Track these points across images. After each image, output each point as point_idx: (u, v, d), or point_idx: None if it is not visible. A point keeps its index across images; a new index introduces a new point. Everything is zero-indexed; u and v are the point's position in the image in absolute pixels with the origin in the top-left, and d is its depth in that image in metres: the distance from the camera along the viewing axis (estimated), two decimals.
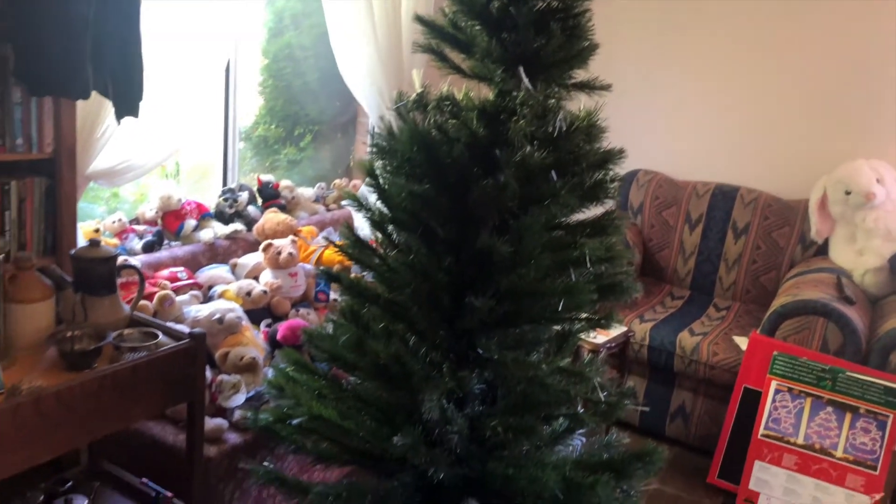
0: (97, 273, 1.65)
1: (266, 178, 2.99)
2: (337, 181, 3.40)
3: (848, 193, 2.94)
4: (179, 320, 2.19)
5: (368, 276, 1.75)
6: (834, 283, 2.72)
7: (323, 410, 1.65)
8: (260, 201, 2.94)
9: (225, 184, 2.92)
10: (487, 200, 1.52)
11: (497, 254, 1.50)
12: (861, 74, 3.09)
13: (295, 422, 1.64)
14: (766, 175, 3.31)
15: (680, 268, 3.36)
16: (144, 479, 1.88)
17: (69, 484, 1.79)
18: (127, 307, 1.75)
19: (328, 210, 3.24)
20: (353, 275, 2.14)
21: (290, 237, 2.60)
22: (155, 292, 2.18)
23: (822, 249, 3.10)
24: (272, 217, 2.74)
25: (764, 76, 3.28)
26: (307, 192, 3.19)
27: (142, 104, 1.90)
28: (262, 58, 3.26)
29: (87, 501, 1.75)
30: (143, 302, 2.12)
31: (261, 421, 1.74)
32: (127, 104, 1.82)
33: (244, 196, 2.80)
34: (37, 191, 1.75)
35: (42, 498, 1.71)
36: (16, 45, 1.54)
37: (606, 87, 1.69)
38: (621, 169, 1.70)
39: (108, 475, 1.93)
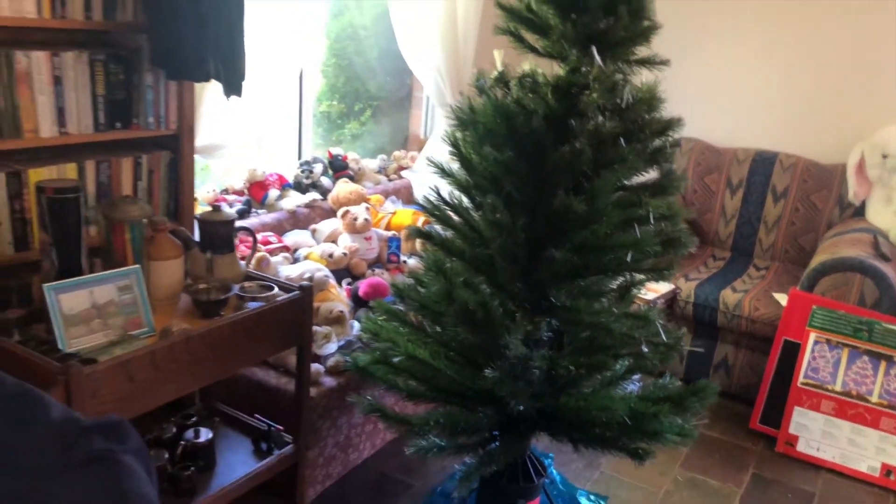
0: (219, 234, 1.91)
1: (336, 150, 3.22)
2: (396, 153, 3.63)
3: (885, 157, 3.09)
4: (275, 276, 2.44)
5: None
6: (871, 241, 2.90)
7: (418, 351, 1.89)
8: (331, 172, 3.18)
9: (300, 157, 3.17)
10: (564, 165, 1.74)
11: (573, 211, 1.72)
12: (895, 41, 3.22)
13: (395, 360, 1.89)
14: (805, 141, 3.47)
15: (721, 230, 3.54)
16: (257, 415, 2.15)
17: (194, 419, 2.06)
18: (243, 263, 2.00)
19: (390, 180, 3.47)
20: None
21: (364, 204, 2.84)
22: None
23: (859, 211, 3.26)
24: (344, 187, 2.98)
25: (802, 42, 3.42)
26: (371, 163, 3.42)
27: (244, 84, 2.13)
28: (324, 38, 3.47)
29: (211, 433, 2.01)
30: (241, 262, 2.38)
31: (361, 361, 1.99)
32: (234, 85, 2.05)
33: (318, 168, 3.04)
34: (162, 163, 2.00)
35: (175, 430, 1.98)
36: (153, 36, 1.78)
37: (665, 63, 1.89)
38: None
39: (221, 413, 2.20)
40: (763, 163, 3.45)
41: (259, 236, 2.58)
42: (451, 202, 1.92)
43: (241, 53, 2.05)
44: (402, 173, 3.53)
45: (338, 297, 2.47)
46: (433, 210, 1.94)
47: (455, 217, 1.93)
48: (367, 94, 3.70)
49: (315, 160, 3.10)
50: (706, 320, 3.04)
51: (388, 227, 2.97)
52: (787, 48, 3.46)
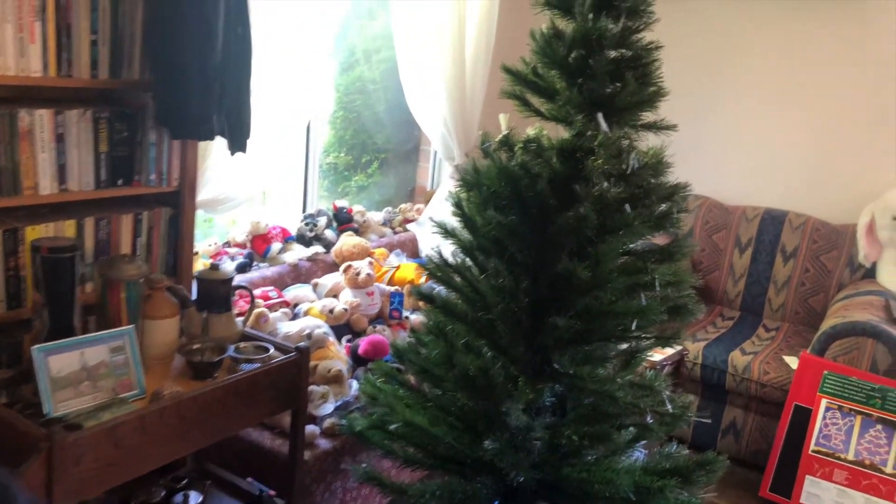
0: (217, 293, 1.87)
1: (341, 203, 3.21)
2: (403, 205, 3.61)
3: (895, 219, 3.05)
4: (273, 335, 2.40)
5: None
6: (883, 305, 2.84)
7: (415, 417, 1.84)
8: (336, 225, 3.16)
9: (305, 209, 3.16)
10: (569, 229, 1.70)
11: (576, 277, 1.68)
12: None
13: (392, 427, 1.83)
14: (815, 200, 3.44)
15: (730, 289, 3.49)
16: (250, 479, 2.09)
17: (184, 481, 2.00)
18: (240, 321, 1.97)
19: (395, 233, 3.45)
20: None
21: (368, 258, 2.81)
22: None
23: (870, 273, 3.21)
24: (348, 240, 2.95)
25: (812, 101, 3.42)
26: (376, 215, 3.40)
27: (250, 141, 2.13)
28: (333, 91, 3.49)
29: (201, 497, 1.95)
30: (239, 319, 2.34)
31: (356, 426, 1.94)
32: (239, 142, 2.05)
33: (322, 221, 3.02)
34: (163, 219, 1.98)
35: (164, 493, 1.93)
36: (158, 94, 1.78)
37: (672, 128, 1.87)
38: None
39: (213, 475, 2.14)
40: (772, 221, 3.42)
41: (259, 291, 2.54)
42: (453, 263, 1.89)
43: (248, 111, 2.05)
44: (408, 226, 3.51)
45: (337, 355, 2.42)
46: (435, 270, 1.91)
47: (457, 278, 1.89)
48: (375, 146, 3.70)
49: (320, 213, 3.09)
50: (714, 383, 2.97)
51: (391, 282, 2.94)
52: (797, 107, 3.46)
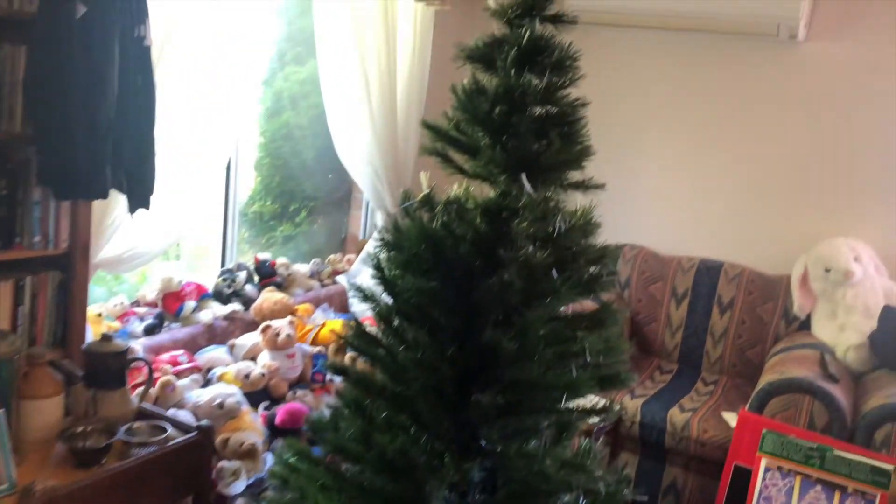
0: (109, 367, 1.69)
1: (263, 256, 3.04)
2: (332, 256, 3.46)
3: (828, 271, 3.04)
4: (181, 405, 2.21)
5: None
6: (818, 360, 2.80)
7: (330, 503, 1.67)
8: (257, 279, 2.99)
9: (223, 264, 2.97)
10: (492, 297, 1.59)
11: (502, 349, 1.56)
12: (840, 156, 3.24)
13: None
14: (749, 250, 3.42)
15: (668, 341, 3.43)
16: None
17: None
18: (135, 399, 1.78)
19: (323, 286, 3.29)
20: (357, 364, 2.20)
21: (288, 318, 2.65)
22: (157, 378, 2.20)
23: (805, 324, 3.19)
24: (269, 297, 2.78)
25: (744, 154, 3.43)
26: (302, 268, 3.24)
27: (153, 196, 1.97)
28: (259, 136, 3.35)
29: None
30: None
31: None
32: (140, 198, 1.88)
33: (242, 276, 2.85)
34: (50, 285, 1.79)
35: None
36: (41, 149, 1.61)
37: (601, 187, 1.78)
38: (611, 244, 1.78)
39: None
40: (708, 272, 3.39)
41: (167, 355, 2.35)
42: (370, 333, 1.75)
43: (150, 164, 1.90)
44: (337, 278, 3.36)
45: (251, 426, 2.24)
46: (352, 339, 1.77)
47: (376, 348, 1.75)
48: (303, 194, 3.56)
49: (240, 267, 2.91)
50: (653, 441, 2.88)
51: (315, 341, 2.77)
52: (729, 156, 3.46)
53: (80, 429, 1.61)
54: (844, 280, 3.00)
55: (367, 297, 1.78)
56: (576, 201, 1.79)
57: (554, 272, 1.61)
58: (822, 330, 3.08)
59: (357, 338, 1.77)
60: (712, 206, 3.52)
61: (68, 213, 1.77)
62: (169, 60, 2.14)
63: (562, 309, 1.74)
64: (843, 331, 3.01)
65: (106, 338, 1.72)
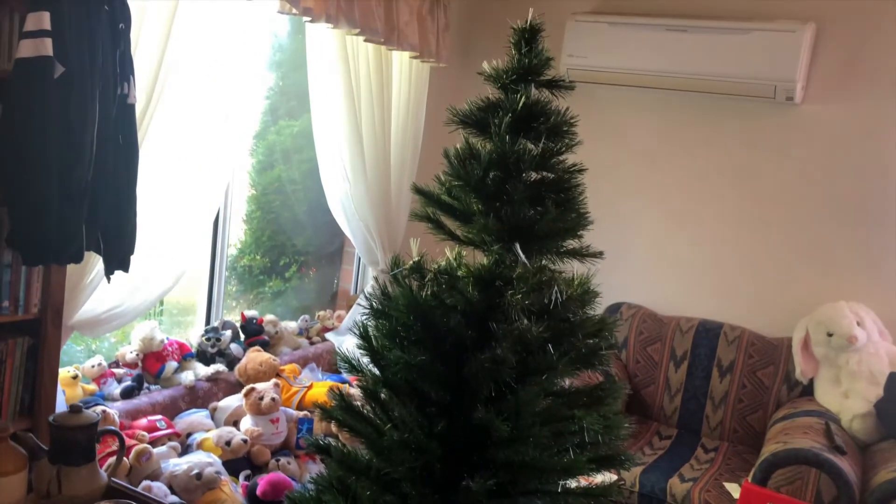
0: (76, 442, 1.59)
1: (250, 313, 2.95)
2: (321, 312, 3.37)
3: (830, 335, 2.96)
4: (156, 475, 2.09)
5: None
6: (823, 429, 2.70)
7: None
8: (243, 337, 2.89)
9: (209, 321, 2.88)
10: (485, 374, 1.50)
11: (494, 429, 1.47)
12: (840, 218, 3.19)
13: None
14: (749, 312, 3.35)
15: (666, 405, 3.33)
16: None
17: None
18: (104, 474, 1.67)
19: (311, 343, 3.19)
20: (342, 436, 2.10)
21: (273, 380, 2.55)
22: (133, 445, 2.09)
23: (808, 389, 3.10)
24: (255, 357, 2.69)
25: (743, 214, 3.38)
26: (290, 325, 3.15)
27: (133, 256, 1.89)
28: (250, 189, 3.29)
29: None
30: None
31: None
32: (118, 260, 1.81)
33: (227, 335, 2.75)
34: (18, 351, 1.70)
35: None
36: (12, 213, 1.53)
37: (598, 255, 1.71)
38: (605, 303, 1.70)
39: None
40: (707, 334, 3.30)
41: (144, 421, 2.24)
42: (354, 407, 1.66)
43: (130, 225, 1.82)
44: (327, 335, 3.26)
45: (230, 497, 2.12)
46: (335, 413, 1.67)
47: (362, 424, 1.66)
48: (294, 248, 3.49)
49: (225, 325, 2.82)
50: None
51: (301, 404, 2.66)
52: (730, 217, 3.41)
53: None
54: (848, 345, 2.92)
55: (353, 367, 1.70)
56: (572, 268, 1.72)
57: (550, 347, 1.53)
58: (826, 396, 2.99)
59: (341, 411, 1.68)
60: (711, 266, 3.45)
61: (40, 277, 1.69)
62: (158, 114, 2.09)
63: (558, 384, 1.66)
64: (847, 398, 2.91)
65: (75, 409, 1.62)
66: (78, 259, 1.63)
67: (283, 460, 2.37)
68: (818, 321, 3.02)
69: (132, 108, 1.75)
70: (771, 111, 3.28)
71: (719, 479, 2.81)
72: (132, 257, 1.87)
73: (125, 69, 1.71)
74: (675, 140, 3.50)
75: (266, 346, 2.89)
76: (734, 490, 2.72)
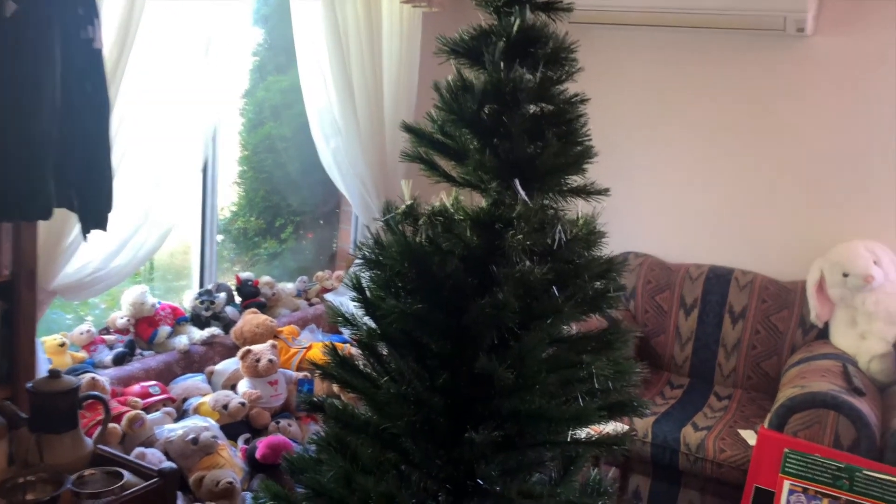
0: (56, 408, 1.50)
1: (245, 275, 2.86)
2: (319, 273, 3.28)
3: (846, 276, 2.86)
4: (151, 442, 2.02)
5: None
6: (841, 371, 2.62)
7: None
8: (239, 300, 2.80)
9: (202, 284, 2.79)
10: (486, 320, 1.40)
11: (498, 378, 1.38)
12: (854, 154, 3.07)
13: None
14: (761, 256, 3.24)
15: (677, 354, 3.24)
16: None
17: None
18: (90, 441, 1.59)
19: (310, 304, 3.10)
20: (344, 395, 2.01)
21: (270, 342, 2.46)
22: (125, 412, 2.02)
23: (823, 333, 3.01)
24: (251, 319, 2.60)
25: (753, 154, 3.25)
26: (288, 286, 3.05)
27: (111, 214, 1.79)
28: (241, 149, 3.18)
29: None
30: (111, 424, 1.96)
31: None
32: (94, 217, 1.71)
33: (222, 297, 2.66)
34: None
35: None
36: None
37: (604, 192, 1.60)
38: (611, 252, 1.60)
39: None
40: (718, 280, 3.20)
41: (137, 387, 2.16)
42: (350, 362, 1.57)
43: (104, 179, 1.72)
44: (326, 296, 3.17)
45: (229, 462, 2.05)
46: (331, 370, 1.59)
47: (362, 379, 1.57)
48: (289, 208, 3.38)
49: (219, 287, 2.72)
50: (666, 463, 2.68)
51: (300, 365, 2.58)
52: (739, 159, 3.28)
53: (21, 479, 1.42)
54: (864, 285, 2.82)
55: (346, 321, 1.61)
56: (577, 209, 1.61)
57: (554, 289, 1.43)
58: (842, 339, 2.89)
59: (337, 367, 1.59)
60: (720, 210, 3.33)
61: (10, 237, 1.59)
62: (132, 61, 1.97)
63: (565, 329, 1.56)
64: (864, 339, 2.82)
65: (54, 374, 1.53)
66: (46, 216, 1.52)
67: (283, 422, 2.30)
68: (833, 262, 2.91)
69: (99, 53, 1.63)
70: (781, 45, 3.14)
71: (734, 426, 2.74)
72: (110, 215, 1.77)
73: (89, 10, 1.58)
74: (680, 81, 3.36)
75: (263, 308, 2.80)
76: (750, 437, 2.64)
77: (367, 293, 1.58)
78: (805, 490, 2.39)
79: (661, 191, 3.44)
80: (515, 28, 1.48)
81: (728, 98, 3.27)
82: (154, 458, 1.92)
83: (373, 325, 1.59)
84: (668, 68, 3.37)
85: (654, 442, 2.69)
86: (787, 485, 2.41)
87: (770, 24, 3.01)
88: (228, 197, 3.14)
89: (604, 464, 2.64)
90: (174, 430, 2.04)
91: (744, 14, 3.00)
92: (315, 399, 1.54)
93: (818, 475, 2.38)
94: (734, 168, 3.29)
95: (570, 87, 1.58)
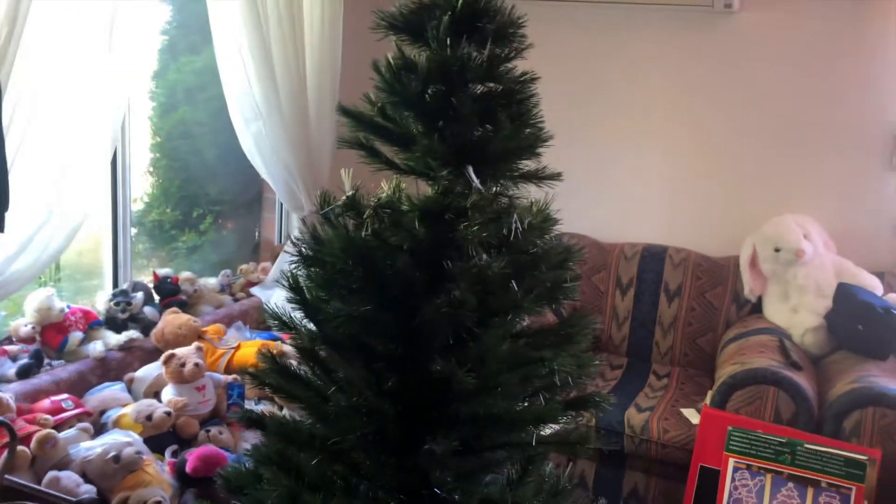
0: None
1: (163, 272, 2.65)
2: (243, 266, 3.09)
3: (777, 251, 2.89)
4: (66, 463, 1.83)
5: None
6: (778, 346, 2.65)
7: None
8: (158, 299, 2.60)
9: (116, 284, 2.57)
10: (442, 320, 1.30)
11: (457, 383, 1.27)
12: (782, 130, 3.10)
13: None
14: (693, 233, 3.25)
15: (615, 334, 3.23)
16: None
17: None
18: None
19: (235, 300, 2.92)
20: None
21: (195, 343, 2.28)
22: (34, 432, 1.82)
23: (757, 307, 3.04)
24: (172, 319, 2.41)
25: (682, 131, 3.25)
26: (210, 281, 2.86)
27: (8, 214, 1.59)
28: (152, 136, 2.94)
29: None
30: (19, 448, 1.75)
31: None
32: None
33: (139, 297, 2.45)
34: None
35: None
36: None
37: (557, 177, 1.52)
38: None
39: None
40: (652, 259, 3.19)
41: (47, 402, 1.96)
42: (290, 368, 1.44)
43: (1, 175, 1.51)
44: (252, 290, 2.99)
45: (156, 479, 1.88)
46: (267, 378, 1.45)
47: (301, 389, 1.44)
48: (208, 198, 3.17)
49: (136, 286, 2.51)
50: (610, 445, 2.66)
51: (229, 368, 2.41)
52: (668, 136, 3.28)
53: None
54: (796, 259, 2.86)
55: (285, 325, 1.47)
56: (528, 195, 1.52)
57: (513, 283, 1.34)
58: (776, 313, 2.93)
59: (275, 374, 1.45)
60: (652, 188, 3.33)
61: None
62: (23, 42, 1.75)
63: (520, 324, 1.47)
64: (796, 312, 2.87)
65: None
66: None
67: (213, 430, 2.14)
68: (765, 237, 2.94)
69: None
70: (709, 21, 3.13)
71: (676, 405, 2.74)
72: (6, 214, 1.56)
73: None
74: (608, 56, 3.32)
75: (184, 307, 2.60)
76: (692, 416, 2.65)
77: (306, 293, 1.45)
78: (749, 466, 2.41)
79: (591, 169, 3.41)
80: (461, 1, 1.36)
81: (658, 75, 3.25)
82: (70, 481, 1.74)
83: (313, 327, 1.47)
84: (595, 45, 3.33)
85: (598, 426, 2.66)
86: (731, 462, 2.42)
87: (698, 1, 3.00)
88: (141, 187, 2.91)
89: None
90: (92, 448, 1.86)
91: None
92: (252, 413, 1.40)
93: (761, 451, 2.40)
94: (665, 145, 3.29)
95: (519, 65, 1.48)
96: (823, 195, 3.07)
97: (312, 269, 1.44)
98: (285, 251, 2.98)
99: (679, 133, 3.25)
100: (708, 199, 3.24)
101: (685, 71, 3.21)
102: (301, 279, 1.44)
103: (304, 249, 1.44)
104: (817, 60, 3.01)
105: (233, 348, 2.46)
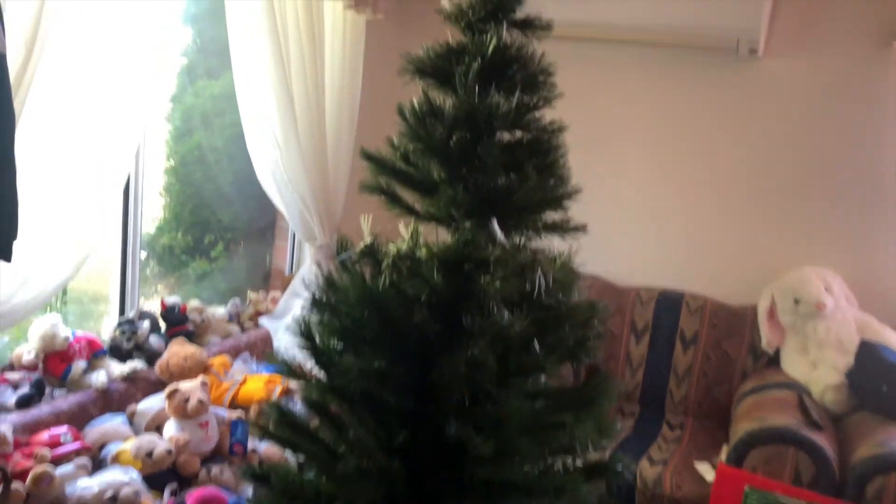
0: None
1: (171, 300, 2.60)
2: (253, 295, 3.04)
3: (797, 302, 2.82)
4: (61, 502, 1.77)
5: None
6: (797, 403, 2.56)
7: None
8: (164, 328, 2.54)
9: (123, 312, 2.52)
10: (458, 379, 1.24)
11: (473, 448, 1.21)
12: (804, 179, 3.03)
13: None
14: (711, 280, 3.18)
15: (628, 381, 3.15)
16: None
17: None
18: None
19: (243, 330, 2.86)
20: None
21: (201, 377, 2.22)
22: (30, 468, 1.76)
23: (773, 360, 2.96)
24: (178, 350, 2.35)
25: (704, 177, 3.19)
26: (219, 311, 2.81)
27: (16, 242, 1.54)
28: (167, 159, 2.91)
29: None
30: (14, 485, 1.70)
31: None
32: None
33: (145, 326, 2.40)
34: None
35: None
36: None
37: (582, 229, 1.47)
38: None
39: None
40: (668, 304, 3.12)
41: (46, 435, 1.90)
42: (298, 421, 1.38)
43: (6, 201, 1.47)
44: (261, 320, 2.94)
45: None
46: (276, 430, 1.39)
47: (308, 442, 1.38)
48: (220, 224, 3.13)
49: (142, 315, 2.46)
50: (622, 498, 2.57)
51: (234, 402, 2.35)
52: (689, 180, 3.22)
53: None
54: (816, 312, 2.78)
55: (295, 374, 1.41)
56: (551, 246, 1.47)
57: (535, 345, 1.28)
58: (794, 367, 2.85)
59: (282, 427, 1.40)
60: (671, 232, 3.26)
61: None
62: (42, 68, 1.72)
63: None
64: (816, 367, 2.78)
65: None
66: None
67: (214, 470, 2.07)
68: (785, 288, 2.87)
69: (2, 59, 1.39)
70: (733, 66, 3.08)
71: (689, 459, 2.65)
72: (14, 243, 1.52)
73: None
74: (631, 97, 3.27)
75: (191, 337, 2.55)
76: (707, 472, 2.56)
77: (318, 340, 1.40)
78: None
79: (610, 211, 3.35)
80: (491, 47, 1.33)
81: (679, 118, 3.21)
82: None
83: (323, 376, 1.41)
84: (618, 84, 3.29)
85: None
86: None
87: (722, 45, 2.97)
88: (152, 211, 2.88)
89: None
90: (89, 487, 1.79)
91: (696, 33, 2.95)
92: (257, 470, 1.34)
93: None
94: (684, 188, 3.23)
95: (547, 114, 1.44)
96: (845, 247, 2.99)
97: (326, 317, 1.39)
98: (296, 292, 2.92)
99: (699, 177, 3.19)
100: (726, 246, 3.17)
101: (706, 114, 3.16)
102: (313, 326, 1.39)
103: (317, 295, 1.39)
104: (840, 108, 2.96)
105: (238, 382, 2.40)
